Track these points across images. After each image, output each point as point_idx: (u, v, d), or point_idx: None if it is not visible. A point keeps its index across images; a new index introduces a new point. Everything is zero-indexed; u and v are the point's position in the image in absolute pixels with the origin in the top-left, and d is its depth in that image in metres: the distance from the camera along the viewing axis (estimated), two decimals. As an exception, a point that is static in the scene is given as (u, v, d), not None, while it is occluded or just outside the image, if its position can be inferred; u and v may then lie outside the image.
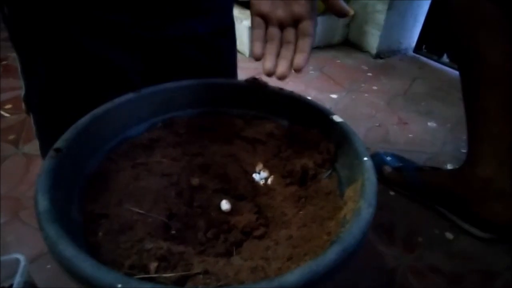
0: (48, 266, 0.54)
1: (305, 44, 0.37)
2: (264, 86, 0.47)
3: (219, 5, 0.53)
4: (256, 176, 0.44)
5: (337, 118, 0.41)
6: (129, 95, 0.41)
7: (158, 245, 0.32)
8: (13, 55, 0.49)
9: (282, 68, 0.36)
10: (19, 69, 0.49)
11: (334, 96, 1.04)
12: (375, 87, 1.11)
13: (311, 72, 1.19)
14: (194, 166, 0.45)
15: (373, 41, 1.34)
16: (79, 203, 0.33)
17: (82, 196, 0.34)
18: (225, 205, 0.42)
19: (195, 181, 0.44)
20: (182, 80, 0.46)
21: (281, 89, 0.47)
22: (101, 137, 0.38)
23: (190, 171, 0.44)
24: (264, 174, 0.44)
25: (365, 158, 0.34)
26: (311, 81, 1.13)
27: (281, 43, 0.38)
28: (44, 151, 0.52)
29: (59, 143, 0.32)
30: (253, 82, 0.47)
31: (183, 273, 0.27)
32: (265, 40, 0.39)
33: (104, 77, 0.47)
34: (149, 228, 0.35)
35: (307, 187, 0.41)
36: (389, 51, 1.36)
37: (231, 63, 0.59)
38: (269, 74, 0.37)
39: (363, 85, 1.12)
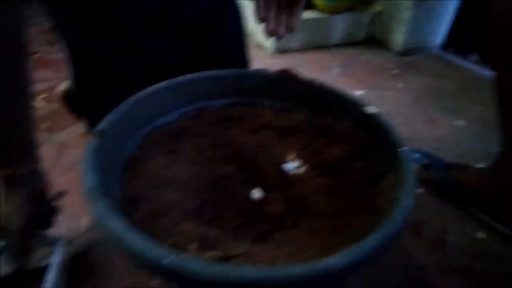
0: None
1: (297, 9, 0.45)
2: (295, 77, 0.47)
3: None
4: (286, 166, 0.44)
5: (370, 109, 0.40)
6: (165, 83, 0.42)
7: (194, 228, 0.32)
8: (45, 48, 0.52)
9: (280, 30, 0.44)
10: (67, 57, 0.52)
11: (358, 92, 1.03)
12: (400, 85, 1.09)
13: (334, 69, 1.18)
14: (223, 156, 0.46)
15: (399, 38, 1.31)
16: (118, 185, 0.34)
17: (121, 179, 0.36)
18: (256, 193, 0.43)
19: (224, 170, 0.45)
20: (213, 70, 0.46)
21: (312, 80, 0.47)
22: (138, 123, 0.40)
23: (218, 160, 0.45)
24: (294, 164, 0.44)
25: (402, 148, 0.34)
26: (334, 79, 1.12)
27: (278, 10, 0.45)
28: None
29: (102, 125, 0.33)
30: (284, 73, 0.47)
31: (222, 254, 0.28)
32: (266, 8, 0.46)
33: (105, 76, 0.51)
34: (184, 213, 0.36)
35: (338, 178, 0.41)
36: (415, 49, 1.33)
37: (237, 40, 0.60)
38: (271, 34, 0.44)
39: (388, 82, 1.11)
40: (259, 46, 1.34)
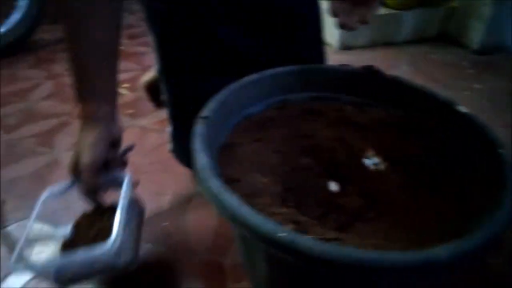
0: (165, 223, 0.62)
1: (373, 3, 0.45)
2: (379, 73, 0.47)
3: None
4: (366, 162, 0.45)
5: (462, 109, 0.40)
6: (254, 76, 0.45)
7: (287, 210, 0.35)
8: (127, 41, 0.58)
9: (352, 21, 0.45)
10: (155, 47, 0.56)
11: (429, 92, 0.99)
12: (477, 86, 1.02)
13: (404, 67, 1.14)
14: (304, 147, 0.47)
15: (476, 35, 1.22)
16: (217, 167, 0.38)
17: (217, 161, 0.39)
18: (333, 186, 0.44)
19: (305, 160, 0.47)
20: (299, 65, 0.48)
21: (396, 77, 0.47)
22: (231, 112, 0.43)
23: (299, 151, 0.47)
24: (375, 160, 0.45)
25: (501, 150, 0.33)
26: (405, 77, 1.08)
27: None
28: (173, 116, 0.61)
29: (205, 112, 0.37)
30: (369, 69, 0.47)
31: (318, 236, 0.30)
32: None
33: (187, 64, 0.54)
34: (273, 196, 0.38)
35: (421, 175, 0.41)
36: (494, 47, 1.23)
37: (317, 35, 0.61)
38: (343, 26, 0.45)
39: (462, 83, 1.04)
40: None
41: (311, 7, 0.58)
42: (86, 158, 0.41)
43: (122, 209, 0.41)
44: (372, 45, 1.30)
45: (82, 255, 0.39)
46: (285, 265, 0.33)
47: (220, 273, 0.54)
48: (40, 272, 0.40)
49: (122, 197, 0.43)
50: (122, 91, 1.02)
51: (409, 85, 0.46)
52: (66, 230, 0.48)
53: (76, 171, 0.43)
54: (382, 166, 0.44)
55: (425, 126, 0.44)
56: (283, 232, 0.24)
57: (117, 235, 0.39)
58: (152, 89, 0.93)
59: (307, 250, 0.23)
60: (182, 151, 0.61)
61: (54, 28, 1.58)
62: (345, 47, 1.28)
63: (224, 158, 0.40)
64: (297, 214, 0.35)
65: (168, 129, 0.61)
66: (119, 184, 0.44)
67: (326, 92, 0.50)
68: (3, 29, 1.25)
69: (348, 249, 0.23)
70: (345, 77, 0.49)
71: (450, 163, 0.40)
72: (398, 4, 1.24)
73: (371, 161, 0.45)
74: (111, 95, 0.45)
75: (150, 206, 0.66)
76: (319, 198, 0.43)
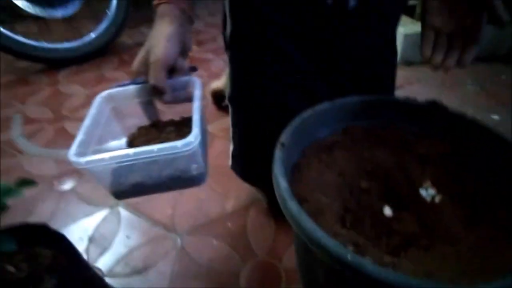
0: (228, 224, 0.70)
1: (471, 49, 0.44)
2: (444, 108, 0.50)
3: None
4: (423, 192, 0.48)
5: (527, 154, 0.41)
6: (326, 105, 0.50)
7: (347, 232, 0.40)
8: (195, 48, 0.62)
9: (448, 62, 0.45)
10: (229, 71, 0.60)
11: (495, 117, 0.95)
12: (550, 112, 0.97)
13: (469, 86, 1.11)
14: (365, 171, 0.52)
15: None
16: (290, 186, 0.44)
17: (289, 181, 0.45)
18: (388, 210, 0.48)
19: (364, 184, 0.51)
20: (365, 95, 0.52)
21: (462, 113, 0.49)
22: (303, 136, 0.49)
23: (361, 174, 0.51)
24: (431, 191, 0.48)
25: None
26: (468, 97, 1.05)
27: (448, 48, 0.45)
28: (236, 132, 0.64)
29: (283, 139, 0.44)
30: (433, 104, 0.50)
31: (376, 259, 0.35)
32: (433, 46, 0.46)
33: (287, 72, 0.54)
34: (334, 216, 0.44)
35: (479, 211, 0.43)
36: None
37: (391, 71, 0.62)
38: (437, 66, 0.45)
39: (535, 108, 0.99)
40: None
41: (388, 48, 0.59)
42: (160, 50, 0.40)
43: (198, 108, 0.39)
44: (436, 61, 1.26)
45: (145, 151, 0.35)
46: (344, 279, 0.39)
47: (276, 275, 0.61)
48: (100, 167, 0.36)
49: (197, 97, 0.41)
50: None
51: (474, 122, 0.48)
52: (120, 144, 0.45)
53: (143, 66, 0.41)
54: (437, 199, 0.47)
55: (484, 164, 0.46)
56: (351, 255, 0.29)
57: (197, 132, 0.36)
58: (218, 97, 1.03)
59: (371, 273, 0.28)
60: (241, 169, 0.66)
61: (134, 32, 1.77)
62: (407, 62, 1.26)
63: (295, 178, 0.46)
64: (355, 235, 0.40)
65: (231, 147, 0.67)
66: (184, 88, 0.42)
67: (390, 121, 0.53)
68: (95, 34, 1.44)
69: (409, 278, 0.27)
70: (409, 109, 0.52)
71: (509, 200, 0.42)
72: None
73: (427, 192, 0.48)
74: (188, 2, 0.45)
75: (216, 207, 0.75)
76: (374, 221, 0.48)
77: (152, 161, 0.36)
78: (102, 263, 0.65)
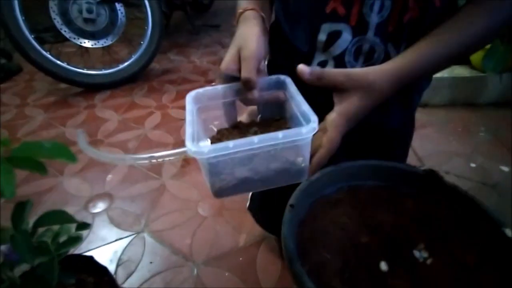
0: (240, 258, 0.77)
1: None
2: (440, 178, 0.55)
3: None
4: (416, 253, 0.54)
5: (509, 233, 0.46)
6: (332, 168, 0.57)
7: (344, 286, 0.46)
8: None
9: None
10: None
11: (505, 168, 0.98)
12: None
13: (481, 134, 1.14)
14: (366, 227, 0.58)
15: None
16: (296, 241, 0.51)
17: (295, 234, 0.52)
18: (384, 265, 0.54)
19: (364, 238, 0.57)
20: (370, 160, 0.59)
21: (455, 186, 0.54)
22: (310, 194, 0.55)
23: (361, 229, 0.57)
24: (424, 254, 0.53)
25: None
26: (480, 145, 1.08)
27: None
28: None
29: (292, 200, 0.50)
30: (431, 173, 0.56)
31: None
32: None
33: None
34: (333, 271, 0.50)
35: (472, 277, 0.48)
36: None
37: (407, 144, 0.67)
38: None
39: (547, 160, 1.01)
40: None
41: (406, 124, 0.62)
42: (253, 45, 0.40)
43: (303, 99, 0.39)
44: (450, 104, 1.29)
45: (270, 138, 0.33)
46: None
47: (281, 311, 0.66)
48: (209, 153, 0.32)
49: (295, 91, 0.40)
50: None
51: (466, 196, 0.53)
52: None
53: (234, 63, 0.41)
54: (429, 261, 0.52)
55: (475, 236, 0.51)
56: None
57: (316, 119, 0.35)
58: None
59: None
60: (258, 212, 0.73)
61: (163, 58, 1.90)
62: (422, 104, 1.30)
63: (300, 232, 0.53)
64: (351, 291, 0.46)
65: None
66: (267, 89, 0.41)
67: (392, 183, 0.59)
68: (129, 62, 1.57)
69: None
70: (410, 175, 0.58)
71: (500, 275, 0.47)
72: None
73: (420, 254, 0.53)
74: (266, 13, 0.48)
75: (229, 241, 0.82)
76: (371, 275, 0.53)
77: (262, 152, 0.35)
78: (128, 285, 0.73)
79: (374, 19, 0.43)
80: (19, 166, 0.23)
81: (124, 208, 0.92)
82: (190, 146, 0.33)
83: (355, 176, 0.61)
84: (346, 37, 0.45)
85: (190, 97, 0.43)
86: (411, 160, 0.98)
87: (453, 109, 1.28)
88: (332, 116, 0.43)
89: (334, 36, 0.46)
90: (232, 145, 0.33)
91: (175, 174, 1.02)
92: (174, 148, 0.51)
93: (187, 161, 1.06)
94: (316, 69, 0.41)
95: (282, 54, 0.56)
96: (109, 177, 1.03)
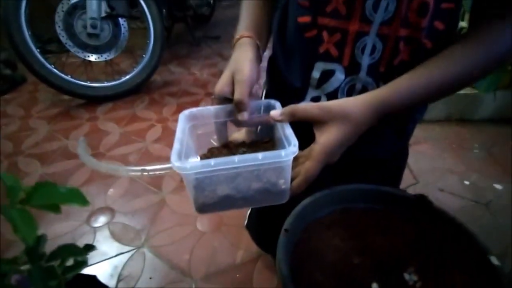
0: (237, 275, 0.79)
1: None
2: (430, 204, 0.57)
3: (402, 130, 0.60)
4: (406, 276, 0.56)
5: (494, 260, 0.48)
6: (326, 191, 0.59)
7: (335, 312, 0.48)
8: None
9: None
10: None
11: (498, 186, 1.00)
12: (555, 186, 1.00)
13: (475, 151, 1.16)
14: (358, 248, 0.60)
15: None
16: (290, 262, 0.53)
17: (290, 256, 0.54)
18: (375, 286, 0.55)
19: (356, 259, 0.59)
20: (362, 184, 0.61)
21: (444, 211, 0.56)
22: (304, 217, 0.58)
23: (354, 251, 0.59)
24: (414, 277, 0.55)
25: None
26: (474, 162, 1.11)
27: None
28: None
29: (286, 225, 0.52)
30: (421, 198, 0.58)
31: None
32: None
33: None
34: (327, 293, 0.52)
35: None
36: None
37: (400, 174, 0.68)
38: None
39: (539, 179, 1.03)
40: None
41: (399, 155, 0.62)
42: (246, 69, 0.42)
43: (287, 124, 0.41)
44: (446, 119, 1.32)
45: (250, 159, 0.34)
46: None
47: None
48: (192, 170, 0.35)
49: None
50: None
51: (454, 221, 0.55)
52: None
53: (227, 87, 0.43)
54: (418, 285, 0.54)
55: (464, 264, 0.53)
56: None
57: (296, 143, 0.37)
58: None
59: None
60: (255, 230, 0.75)
61: (163, 70, 1.93)
62: (418, 120, 1.32)
63: (294, 254, 0.55)
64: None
65: (249, 210, 0.75)
66: (259, 112, 0.44)
67: (384, 206, 0.62)
68: (131, 75, 1.61)
69: None
70: (401, 199, 0.60)
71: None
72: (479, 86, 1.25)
73: (410, 277, 0.55)
74: (263, 41, 0.51)
75: (226, 257, 0.84)
76: (363, 296, 0.55)
77: (245, 172, 0.36)
78: (127, 301, 0.75)
79: (365, 60, 0.45)
80: (35, 207, 0.25)
81: (125, 222, 0.94)
82: (174, 162, 0.36)
83: (348, 199, 0.64)
84: (339, 76, 0.48)
85: (183, 116, 0.45)
86: (406, 176, 1.00)
87: (448, 125, 1.30)
88: (313, 147, 0.44)
89: (327, 74, 0.48)
90: (213, 163, 0.35)
91: (175, 188, 1.05)
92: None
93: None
94: (286, 109, 0.42)
95: (277, 87, 0.58)
96: (111, 191, 1.05)
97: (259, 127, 0.52)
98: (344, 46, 0.45)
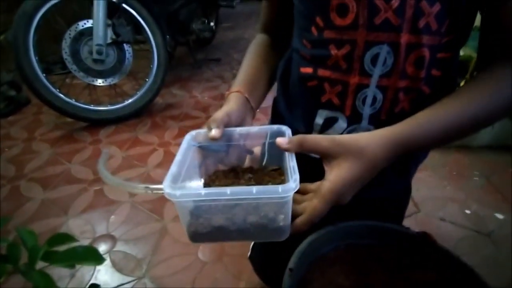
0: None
1: None
2: (433, 242, 0.58)
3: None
4: (410, 314, 0.55)
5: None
6: (330, 227, 0.60)
7: None
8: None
9: None
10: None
11: (499, 216, 1.00)
12: (556, 216, 1.01)
13: (475, 178, 1.17)
14: (362, 286, 0.60)
15: None
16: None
17: (294, 297, 0.54)
18: (380, 327, 0.55)
19: (360, 297, 0.59)
20: (366, 220, 0.62)
21: (447, 250, 0.57)
22: (308, 255, 0.58)
23: (358, 286, 0.59)
24: (418, 315, 0.55)
25: None
26: (474, 191, 1.11)
27: None
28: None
29: (291, 264, 0.53)
30: (424, 236, 0.59)
31: None
32: None
33: None
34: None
35: None
36: None
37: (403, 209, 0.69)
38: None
39: (539, 209, 1.03)
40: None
41: (400, 195, 0.62)
42: (223, 111, 0.44)
43: (292, 155, 0.39)
44: (445, 146, 1.33)
45: (243, 192, 0.33)
46: None
47: None
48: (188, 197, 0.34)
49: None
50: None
51: (459, 261, 0.55)
52: (197, 185, 0.45)
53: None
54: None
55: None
56: None
57: (297, 179, 0.35)
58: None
59: None
60: (258, 262, 0.75)
61: (166, 92, 1.96)
62: (418, 146, 1.33)
63: (299, 293, 0.55)
64: None
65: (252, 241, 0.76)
66: (273, 137, 0.42)
67: (387, 242, 0.62)
68: (134, 99, 1.63)
69: None
70: (404, 236, 0.61)
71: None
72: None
73: (415, 317, 0.55)
74: (254, 95, 0.52)
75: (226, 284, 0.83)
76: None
77: (242, 204, 0.35)
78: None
79: (367, 111, 0.47)
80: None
81: (126, 251, 0.93)
82: (165, 187, 0.35)
83: (352, 235, 0.64)
84: (342, 124, 0.49)
85: (190, 136, 0.44)
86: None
87: (447, 151, 1.31)
88: (322, 183, 0.40)
89: (330, 121, 0.49)
90: (203, 193, 0.34)
91: (177, 216, 1.04)
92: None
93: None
94: (294, 138, 0.40)
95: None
96: (112, 218, 1.05)
97: (266, 155, 0.51)
98: (346, 97, 0.47)
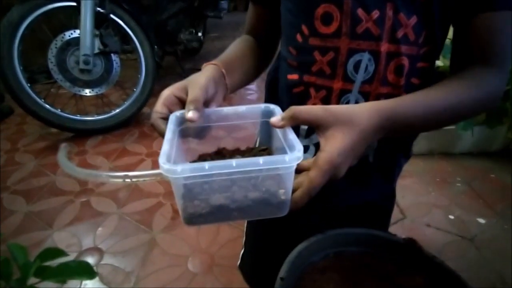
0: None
1: None
2: (419, 248, 0.60)
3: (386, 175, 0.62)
4: (399, 320, 0.56)
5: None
6: (319, 236, 0.60)
7: None
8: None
9: None
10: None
11: (481, 220, 1.04)
12: (535, 220, 1.04)
13: (457, 184, 1.20)
14: (352, 293, 0.61)
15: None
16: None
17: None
18: (371, 334, 0.56)
19: (351, 306, 0.60)
20: (354, 228, 0.63)
21: (434, 257, 0.58)
22: (298, 264, 0.59)
23: (348, 296, 0.60)
24: (406, 321, 0.56)
25: None
26: (457, 197, 1.15)
27: None
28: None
29: (282, 273, 0.53)
30: (410, 242, 0.60)
31: None
32: None
33: None
34: None
35: None
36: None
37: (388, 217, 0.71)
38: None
39: (519, 213, 1.07)
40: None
41: (387, 199, 0.64)
42: (203, 80, 0.42)
43: (290, 128, 0.38)
44: (429, 153, 1.37)
45: (250, 163, 0.31)
46: None
47: None
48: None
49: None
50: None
51: (443, 266, 0.57)
52: None
53: (179, 91, 0.42)
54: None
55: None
56: None
57: (301, 148, 0.33)
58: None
59: None
60: (248, 271, 0.75)
61: (154, 101, 1.94)
62: (403, 154, 1.36)
63: (291, 303, 0.55)
64: None
65: (242, 249, 0.76)
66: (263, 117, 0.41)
67: (376, 249, 0.63)
68: (121, 109, 1.62)
69: None
70: (391, 243, 0.62)
71: None
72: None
73: (403, 322, 0.56)
74: (231, 75, 0.50)
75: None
76: None
77: (242, 179, 0.33)
78: None
79: None
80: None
81: (114, 264, 0.92)
82: (163, 164, 0.31)
83: (341, 242, 0.65)
84: None
85: (174, 117, 0.41)
86: (394, 211, 1.03)
87: (430, 159, 1.35)
88: (318, 155, 0.40)
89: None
90: (208, 167, 0.31)
91: (166, 226, 1.04)
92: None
93: (177, 213, 1.08)
94: (286, 113, 0.39)
95: None
96: (99, 230, 1.03)
97: (259, 135, 0.53)
98: (329, 102, 0.49)
